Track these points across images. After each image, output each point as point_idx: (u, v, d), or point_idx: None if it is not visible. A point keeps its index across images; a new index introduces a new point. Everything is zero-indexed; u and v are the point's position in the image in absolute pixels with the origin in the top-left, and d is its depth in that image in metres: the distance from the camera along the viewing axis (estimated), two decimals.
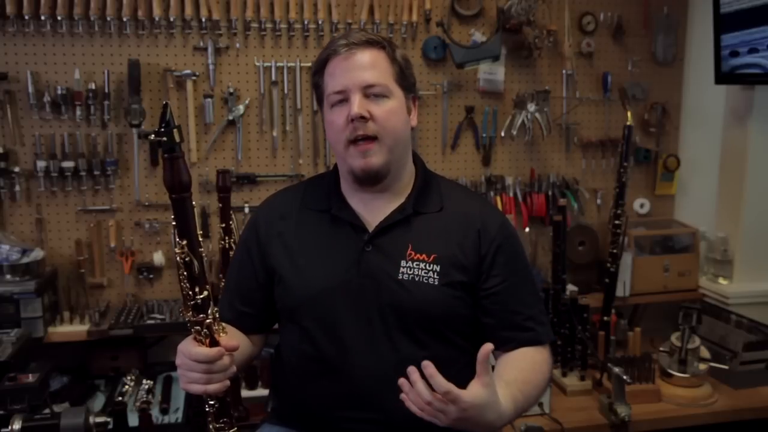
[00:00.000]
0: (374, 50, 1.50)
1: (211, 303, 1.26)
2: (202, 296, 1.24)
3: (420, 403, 1.26)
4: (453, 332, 1.55)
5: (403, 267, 1.51)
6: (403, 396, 1.28)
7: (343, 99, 1.48)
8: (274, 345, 1.71)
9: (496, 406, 1.31)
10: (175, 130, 1.13)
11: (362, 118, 1.45)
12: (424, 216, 1.57)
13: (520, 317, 1.56)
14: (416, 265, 1.51)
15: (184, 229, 1.19)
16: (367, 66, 1.48)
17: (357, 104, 1.45)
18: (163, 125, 1.13)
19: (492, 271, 1.55)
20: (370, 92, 1.47)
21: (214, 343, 1.28)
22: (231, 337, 1.36)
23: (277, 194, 1.71)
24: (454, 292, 1.52)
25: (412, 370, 1.27)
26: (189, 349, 1.28)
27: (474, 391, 1.27)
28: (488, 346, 1.27)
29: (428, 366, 1.24)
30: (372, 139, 1.47)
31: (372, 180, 1.51)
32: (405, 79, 1.55)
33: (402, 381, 1.27)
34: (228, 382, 1.32)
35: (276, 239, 1.58)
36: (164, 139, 1.13)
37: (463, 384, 1.58)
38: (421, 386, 1.25)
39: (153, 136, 1.13)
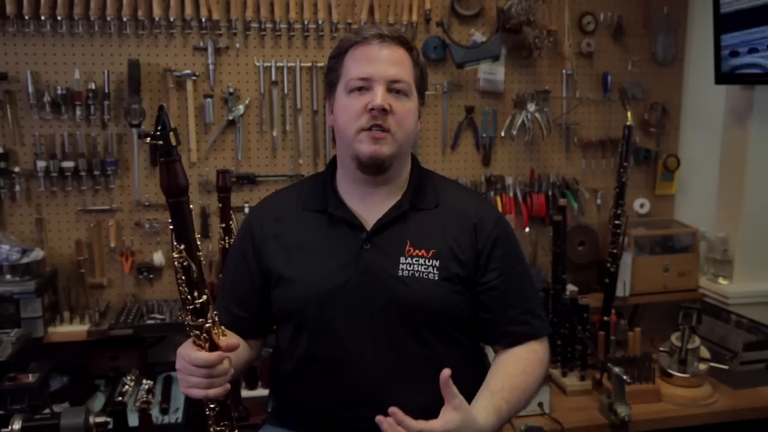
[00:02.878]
0: (403, 49, 1.52)
1: (211, 307, 1.26)
2: (200, 300, 1.23)
3: None
4: (453, 328, 1.55)
5: (403, 263, 1.51)
6: None
7: (364, 87, 1.47)
8: (274, 345, 1.70)
9: (473, 423, 1.35)
10: (171, 133, 1.12)
11: (384, 110, 1.45)
12: (420, 212, 1.57)
13: (518, 311, 1.57)
14: (416, 261, 1.52)
15: (182, 232, 1.18)
16: (395, 61, 1.49)
17: (381, 96, 1.45)
18: (159, 128, 1.12)
19: (489, 265, 1.56)
20: (393, 87, 1.48)
21: (213, 347, 1.28)
22: (230, 337, 1.36)
23: (271, 196, 1.71)
24: (454, 286, 1.53)
25: (393, 412, 1.31)
26: (189, 353, 1.28)
27: (446, 418, 1.32)
28: (446, 372, 1.31)
29: (396, 413, 1.30)
30: (386, 131, 1.47)
31: (375, 169, 1.50)
32: (422, 85, 1.57)
33: (379, 419, 1.31)
34: (228, 386, 1.32)
35: (272, 241, 1.58)
36: (160, 142, 1.12)
37: (465, 382, 1.59)
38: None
39: (149, 139, 1.12)
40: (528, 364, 1.55)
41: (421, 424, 1.29)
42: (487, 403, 1.42)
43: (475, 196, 1.76)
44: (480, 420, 1.37)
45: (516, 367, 1.53)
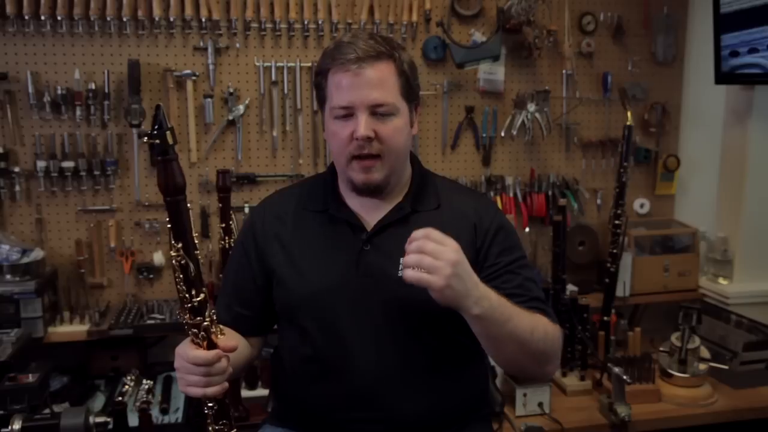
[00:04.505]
0: (383, 64, 1.47)
1: (208, 305, 1.26)
2: (198, 299, 1.23)
3: (415, 259, 1.29)
4: (453, 329, 1.54)
5: (403, 264, 1.51)
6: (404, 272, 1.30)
7: (348, 114, 1.46)
8: (274, 345, 1.71)
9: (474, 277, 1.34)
10: (168, 133, 1.12)
11: (368, 138, 1.44)
12: (421, 214, 1.57)
13: (521, 300, 1.51)
14: None
15: (180, 231, 1.18)
16: (375, 84, 1.45)
17: (363, 125, 1.44)
18: (156, 127, 1.12)
19: (487, 261, 1.55)
20: (376, 111, 1.46)
21: (211, 345, 1.28)
22: (229, 338, 1.36)
23: (273, 195, 1.71)
24: None
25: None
26: (187, 352, 1.28)
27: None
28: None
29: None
30: (375, 157, 1.47)
31: (370, 192, 1.51)
32: (410, 91, 1.53)
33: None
34: (227, 384, 1.32)
35: (273, 241, 1.58)
36: (157, 141, 1.11)
37: (465, 382, 1.59)
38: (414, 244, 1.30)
39: (146, 138, 1.12)
40: (533, 314, 1.48)
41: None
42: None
43: (475, 196, 1.75)
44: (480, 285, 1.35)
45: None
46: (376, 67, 1.46)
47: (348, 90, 1.45)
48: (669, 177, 3.06)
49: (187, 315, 1.25)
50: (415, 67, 1.57)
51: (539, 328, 1.45)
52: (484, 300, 1.33)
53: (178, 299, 1.24)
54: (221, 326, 1.33)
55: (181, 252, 1.19)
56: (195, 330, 1.26)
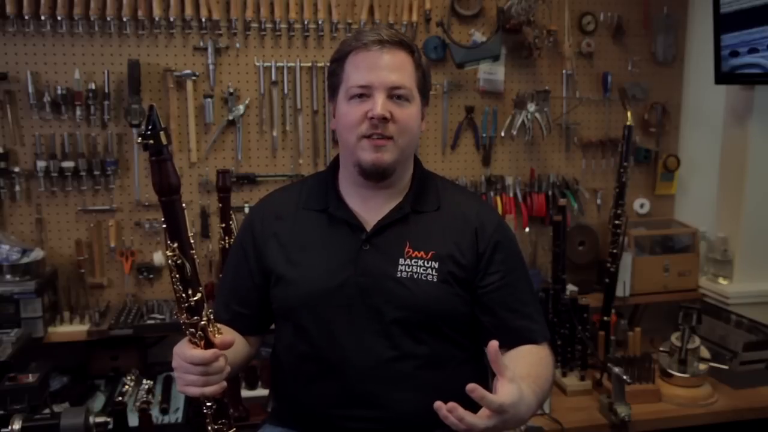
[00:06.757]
0: (404, 52, 1.50)
1: (205, 305, 1.26)
2: (195, 298, 1.23)
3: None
4: (451, 329, 1.55)
5: (402, 265, 1.51)
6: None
7: (365, 94, 1.47)
8: (274, 344, 1.71)
9: (525, 397, 1.30)
10: (161, 133, 1.11)
11: (384, 119, 1.45)
12: (421, 215, 1.57)
13: (517, 315, 1.56)
14: (414, 262, 1.52)
15: (175, 231, 1.18)
16: (395, 67, 1.47)
17: (381, 105, 1.44)
18: (150, 127, 1.12)
19: (489, 269, 1.55)
20: (394, 93, 1.47)
21: (209, 344, 1.28)
22: (225, 335, 1.35)
23: (272, 194, 1.71)
24: (452, 288, 1.52)
25: (452, 407, 1.22)
26: (184, 351, 1.28)
27: (506, 391, 1.26)
28: (495, 344, 1.26)
29: (475, 389, 1.22)
30: (388, 138, 1.47)
31: (377, 175, 1.50)
32: (425, 87, 1.55)
33: (441, 410, 1.23)
34: (225, 384, 1.32)
35: (272, 239, 1.58)
36: (151, 141, 1.11)
37: (463, 383, 1.59)
38: (470, 418, 1.23)
39: (140, 139, 1.12)
40: (541, 357, 1.53)
41: (486, 400, 1.23)
42: (524, 386, 1.36)
43: (476, 199, 1.75)
44: (530, 394, 1.34)
45: (532, 357, 1.52)
46: (396, 53, 1.48)
47: (368, 70, 1.46)
48: (669, 177, 3.06)
49: (184, 314, 1.25)
50: (429, 68, 1.59)
51: (549, 379, 1.51)
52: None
53: (175, 299, 1.24)
54: (218, 325, 1.33)
55: (177, 252, 1.19)
56: (192, 329, 1.26)
